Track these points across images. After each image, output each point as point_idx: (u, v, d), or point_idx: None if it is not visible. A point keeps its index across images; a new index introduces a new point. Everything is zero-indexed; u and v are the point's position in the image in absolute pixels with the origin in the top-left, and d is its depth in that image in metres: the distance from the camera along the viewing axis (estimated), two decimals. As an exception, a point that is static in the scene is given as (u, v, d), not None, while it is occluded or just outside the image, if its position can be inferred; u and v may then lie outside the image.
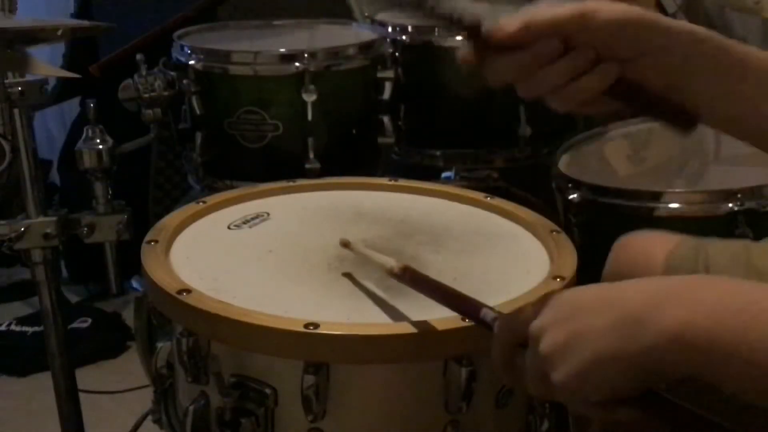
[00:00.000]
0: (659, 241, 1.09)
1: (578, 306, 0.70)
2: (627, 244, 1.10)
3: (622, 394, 0.68)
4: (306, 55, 1.50)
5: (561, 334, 0.68)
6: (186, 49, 1.59)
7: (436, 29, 1.68)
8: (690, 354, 0.62)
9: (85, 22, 1.78)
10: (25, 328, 2.45)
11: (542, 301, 0.73)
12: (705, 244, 1.05)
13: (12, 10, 1.83)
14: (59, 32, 1.30)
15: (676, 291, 0.65)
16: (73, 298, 2.62)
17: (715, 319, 0.62)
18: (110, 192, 1.41)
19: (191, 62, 1.56)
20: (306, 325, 0.85)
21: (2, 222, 1.38)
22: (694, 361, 0.63)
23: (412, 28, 1.70)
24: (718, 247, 1.05)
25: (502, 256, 1.06)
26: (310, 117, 1.51)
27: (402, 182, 1.27)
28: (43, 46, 1.36)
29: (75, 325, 2.43)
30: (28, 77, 1.36)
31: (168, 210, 1.26)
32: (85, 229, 1.40)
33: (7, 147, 1.35)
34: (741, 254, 1.03)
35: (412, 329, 0.86)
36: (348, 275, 1.00)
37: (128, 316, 2.47)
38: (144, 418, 1.54)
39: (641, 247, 1.08)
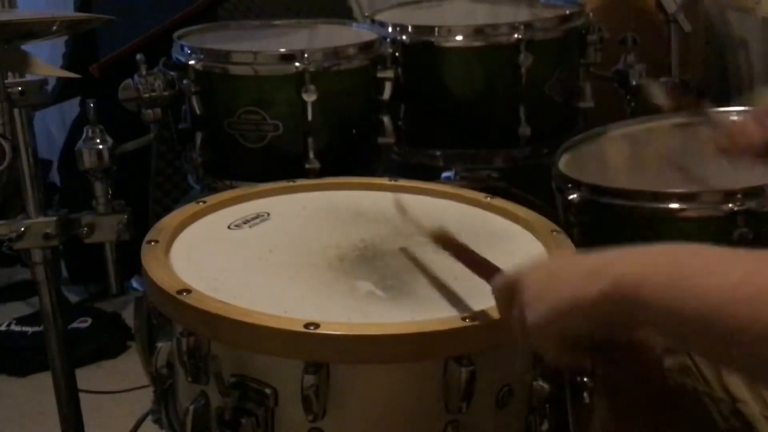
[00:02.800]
0: None
1: (558, 263, 0.82)
2: None
3: (583, 338, 0.78)
4: (306, 55, 1.50)
5: (540, 284, 0.79)
6: (186, 49, 1.59)
7: (436, 29, 1.68)
8: (626, 305, 0.70)
9: (84, 15, 1.78)
10: (25, 328, 2.45)
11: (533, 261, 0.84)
12: None
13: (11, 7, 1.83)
14: (55, 26, 1.31)
15: (633, 251, 0.73)
16: (73, 298, 2.62)
17: (645, 272, 0.69)
18: (110, 192, 1.41)
19: (191, 62, 1.56)
20: (306, 325, 0.85)
21: (2, 222, 1.38)
22: (630, 312, 0.70)
23: (412, 28, 1.70)
24: None
25: (502, 256, 1.06)
26: (310, 117, 1.51)
27: (402, 182, 1.27)
28: (42, 42, 1.35)
29: (75, 325, 2.43)
30: (28, 77, 1.36)
31: (168, 210, 1.26)
32: (85, 229, 1.41)
33: (7, 147, 1.35)
34: None
35: (412, 329, 0.86)
36: (349, 274, 1.00)
37: (128, 316, 2.47)
38: (144, 418, 1.54)
39: None
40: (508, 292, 0.83)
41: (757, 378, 0.70)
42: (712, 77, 2.41)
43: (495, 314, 0.88)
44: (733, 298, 0.63)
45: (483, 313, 0.89)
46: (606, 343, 0.80)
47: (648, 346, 0.85)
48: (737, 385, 1.02)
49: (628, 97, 1.80)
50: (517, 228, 1.15)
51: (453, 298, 0.95)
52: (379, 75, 1.59)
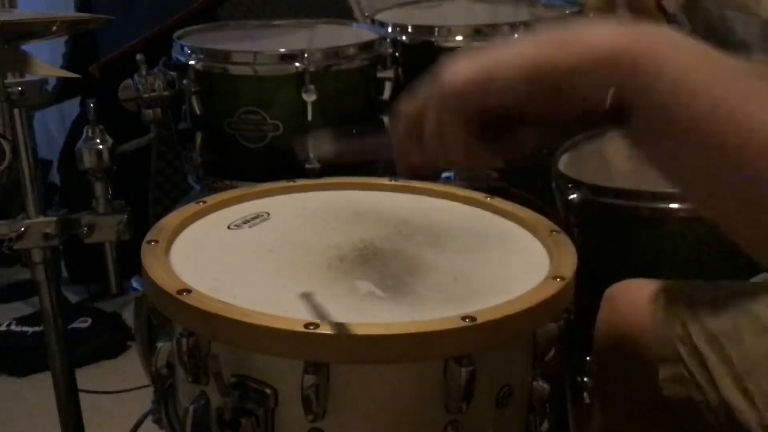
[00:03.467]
0: (646, 286, 1.13)
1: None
2: (617, 293, 1.13)
3: (505, 107, 0.65)
4: (306, 55, 1.50)
5: (476, 50, 0.67)
6: (186, 49, 1.59)
7: (436, 29, 1.68)
8: (612, 73, 0.61)
9: (84, 15, 1.78)
10: (25, 328, 2.46)
11: None
12: (691, 284, 1.08)
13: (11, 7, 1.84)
14: (55, 26, 1.31)
15: (613, 26, 0.63)
16: (73, 298, 2.63)
17: (645, 44, 0.61)
18: (110, 192, 1.41)
19: (191, 62, 1.56)
20: (306, 325, 0.85)
21: (2, 222, 1.38)
22: (614, 81, 0.61)
23: (412, 28, 1.70)
24: (704, 288, 1.07)
25: (502, 256, 1.06)
26: (310, 117, 1.51)
27: (402, 182, 1.27)
28: (42, 42, 1.35)
29: (75, 325, 2.44)
30: (28, 77, 1.36)
31: (168, 210, 1.26)
32: (85, 229, 1.40)
33: (7, 147, 1.35)
34: (726, 292, 1.06)
35: (412, 329, 0.86)
36: (349, 274, 1.00)
37: (128, 316, 2.47)
38: (144, 418, 1.54)
39: (631, 295, 1.12)
40: (419, 107, 0.71)
41: (734, 231, 0.61)
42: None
43: (495, 314, 0.88)
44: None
45: (483, 313, 0.89)
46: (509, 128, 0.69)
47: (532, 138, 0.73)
48: (734, 394, 1.02)
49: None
50: (517, 228, 1.15)
51: (453, 298, 0.95)
52: (379, 75, 1.60)
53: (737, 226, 0.63)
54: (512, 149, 0.71)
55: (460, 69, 0.67)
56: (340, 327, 0.83)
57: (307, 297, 0.92)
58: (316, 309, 0.89)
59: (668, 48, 0.62)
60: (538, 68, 0.63)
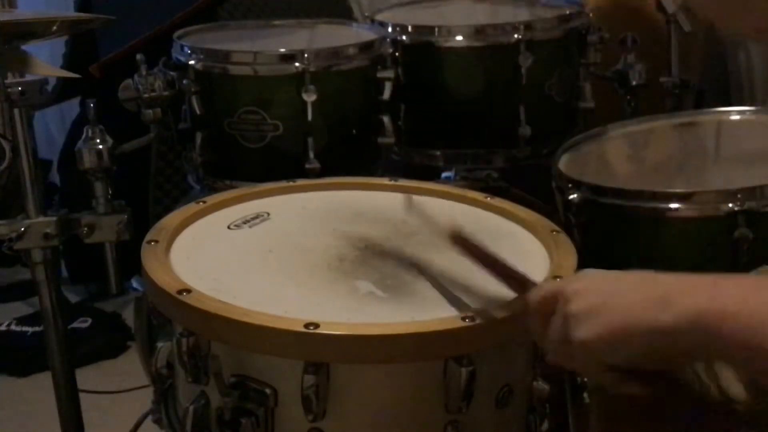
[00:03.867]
0: None
1: (616, 278, 0.77)
2: None
3: (634, 365, 0.74)
4: (306, 55, 1.50)
5: (594, 298, 0.74)
6: (186, 49, 1.59)
7: (436, 29, 1.68)
8: (702, 338, 0.67)
9: (84, 15, 1.78)
10: (25, 328, 2.45)
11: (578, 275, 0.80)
12: None
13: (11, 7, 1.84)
14: (55, 26, 1.31)
15: (704, 281, 0.71)
16: (73, 298, 2.63)
17: (732, 309, 0.66)
18: (110, 192, 1.41)
19: (191, 62, 1.56)
20: (306, 325, 0.85)
21: (2, 222, 1.38)
22: (705, 345, 0.68)
23: (412, 28, 1.70)
24: None
25: (502, 256, 1.06)
26: (310, 117, 1.51)
27: (402, 182, 1.27)
28: (42, 42, 1.36)
29: (75, 325, 2.43)
30: (28, 77, 1.36)
31: (168, 210, 1.26)
32: (85, 229, 1.40)
33: (7, 147, 1.35)
34: None
35: (412, 329, 0.86)
36: (349, 274, 1.00)
37: (128, 316, 2.47)
38: (144, 418, 1.54)
39: None
40: (548, 304, 0.79)
41: None
42: (712, 77, 2.41)
43: (495, 314, 0.88)
44: None
45: (483, 313, 0.89)
46: (647, 372, 0.77)
47: (688, 379, 0.85)
48: (735, 385, 1.02)
49: (628, 97, 1.80)
50: (517, 228, 1.15)
51: (453, 298, 0.95)
52: (379, 75, 1.59)
53: None
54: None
55: (587, 335, 0.74)
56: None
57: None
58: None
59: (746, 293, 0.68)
60: (653, 335, 0.71)
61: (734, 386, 1.02)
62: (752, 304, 0.66)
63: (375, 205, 1.21)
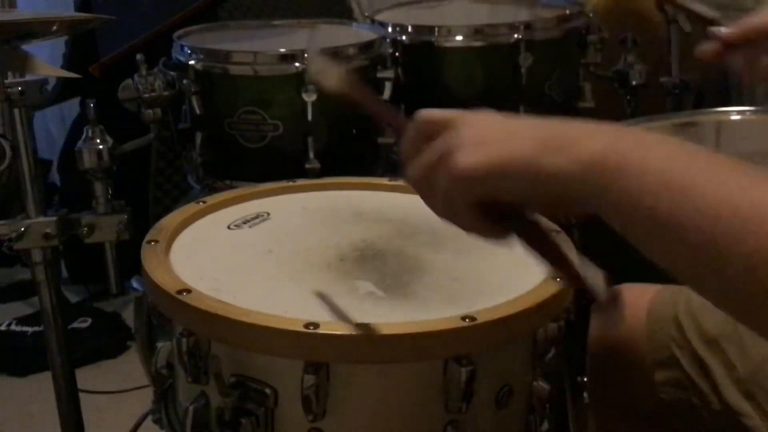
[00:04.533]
0: (640, 291, 1.13)
1: (515, 117, 0.72)
2: None
3: (512, 202, 0.70)
4: (306, 55, 1.50)
5: (486, 129, 0.69)
6: (186, 49, 1.59)
7: (436, 29, 1.68)
8: (593, 187, 0.64)
9: (84, 15, 1.78)
10: (25, 328, 2.45)
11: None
12: (684, 288, 1.08)
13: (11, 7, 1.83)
14: (55, 26, 1.31)
15: (604, 130, 0.66)
16: (73, 298, 2.63)
17: (632, 163, 0.62)
18: (110, 192, 1.41)
19: (191, 62, 1.56)
20: (306, 325, 0.85)
21: (2, 222, 1.38)
22: (596, 195, 0.64)
23: (412, 28, 1.70)
24: None
25: (502, 256, 1.06)
26: (310, 117, 1.51)
27: (402, 182, 1.27)
28: (42, 42, 1.35)
29: (75, 325, 2.43)
30: (28, 77, 1.36)
31: (168, 210, 1.26)
32: (85, 229, 1.40)
33: (7, 147, 1.35)
34: None
35: (412, 329, 0.86)
36: (349, 274, 1.00)
37: (128, 316, 2.47)
38: (144, 418, 1.54)
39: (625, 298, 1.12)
40: (433, 127, 0.73)
41: (721, 304, 0.61)
42: (712, 77, 2.41)
43: (495, 314, 0.88)
44: (737, 208, 0.57)
45: (483, 313, 0.89)
46: (516, 214, 0.72)
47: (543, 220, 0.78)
48: (738, 398, 1.01)
49: (628, 97, 1.80)
50: (517, 228, 1.14)
51: (453, 298, 0.95)
52: (379, 75, 1.60)
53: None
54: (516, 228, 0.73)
55: (468, 160, 0.68)
56: None
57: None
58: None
59: (648, 145, 0.64)
60: (539, 176, 0.66)
61: (738, 400, 1.01)
62: (653, 163, 0.62)
63: (375, 205, 1.21)
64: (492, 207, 0.71)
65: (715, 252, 0.58)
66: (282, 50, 1.55)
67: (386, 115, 0.86)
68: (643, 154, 0.63)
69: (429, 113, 0.74)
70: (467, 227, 0.73)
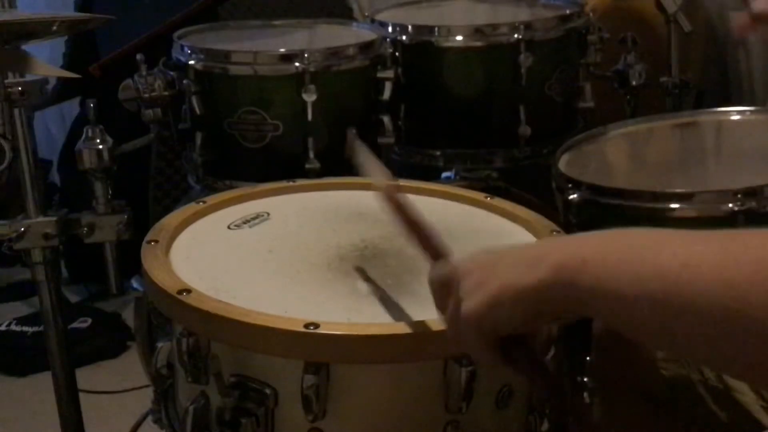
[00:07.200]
0: None
1: (498, 253, 0.78)
2: None
3: (515, 329, 0.75)
4: (306, 55, 1.50)
5: (480, 273, 0.76)
6: (186, 49, 1.59)
7: (436, 29, 1.68)
8: (564, 290, 0.69)
9: (84, 15, 1.78)
10: (25, 328, 2.45)
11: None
12: None
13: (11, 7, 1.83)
14: (55, 26, 1.31)
15: (574, 238, 0.74)
16: (73, 298, 2.63)
17: (589, 258, 0.67)
18: (110, 192, 1.41)
19: (191, 62, 1.56)
20: (306, 325, 0.85)
21: (2, 222, 1.38)
22: (568, 297, 0.69)
23: (412, 28, 1.70)
24: None
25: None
26: (310, 117, 1.51)
27: (402, 182, 1.27)
28: (42, 42, 1.36)
29: (75, 325, 2.43)
30: (28, 77, 1.36)
31: (168, 210, 1.26)
32: (85, 229, 1.41)
33: (7, 147, 1.35)
34: None
35: (412, 329, 0.86)
36: (349, 274, 1.00)
37: (128, 316, 2.47)
38: (144, 418, 1.54)
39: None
40: (445, 286, 0.79)
41: (698, 358, 0.67)
42: (712, 77, 2.41)
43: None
44: (676, 279, 0.61)
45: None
46: (522, 341, 0.78)
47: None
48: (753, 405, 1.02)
49: (628, 97, 1.80)
50: (517, 228, 1.15)
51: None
52: (379, 75, 1.59)
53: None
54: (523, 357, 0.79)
55: (471, 306, 0.75)
56: None
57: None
58: None
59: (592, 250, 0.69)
60: (525, 293, 0.72)
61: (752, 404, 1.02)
62: (606, 251, 0.67)
63: (375, 205, 1.21)
64: (503, 341, 0.76)
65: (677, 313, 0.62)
66: (282, 50, 1.55)
67: (423, 239, 0.90)
68: (599, 250, 0.68)
69: (436, 276, 0.82)
70: (490, 362, 0.79)
